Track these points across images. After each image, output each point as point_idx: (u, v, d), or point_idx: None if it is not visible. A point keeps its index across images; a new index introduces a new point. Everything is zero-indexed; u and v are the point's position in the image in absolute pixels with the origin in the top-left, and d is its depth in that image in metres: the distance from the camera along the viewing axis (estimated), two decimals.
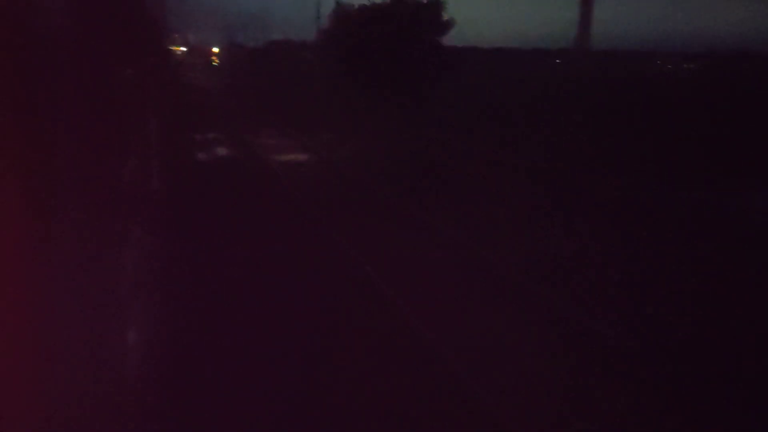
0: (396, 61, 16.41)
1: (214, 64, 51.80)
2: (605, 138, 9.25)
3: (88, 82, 2.76)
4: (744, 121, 8.97)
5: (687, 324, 4.29)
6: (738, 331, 4.23)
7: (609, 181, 7.73)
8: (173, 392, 3.20)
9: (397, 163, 10.10)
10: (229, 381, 3.38)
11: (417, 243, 6.48)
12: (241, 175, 9.81)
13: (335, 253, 5.85)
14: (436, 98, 15.44)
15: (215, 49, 57.11)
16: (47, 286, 1.42)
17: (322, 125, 15.34)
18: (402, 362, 3.84)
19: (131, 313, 3.53)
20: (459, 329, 4.37)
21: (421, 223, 7.00)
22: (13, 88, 1.48)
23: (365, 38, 17.15)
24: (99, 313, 2.27)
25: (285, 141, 14.05)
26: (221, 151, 12.29)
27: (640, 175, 7.73)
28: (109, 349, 2.40)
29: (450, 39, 17.77)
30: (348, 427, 3.13)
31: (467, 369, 3.69)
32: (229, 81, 34.67)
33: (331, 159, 11.42)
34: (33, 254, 1.31)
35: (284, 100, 21.66)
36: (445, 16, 18.05)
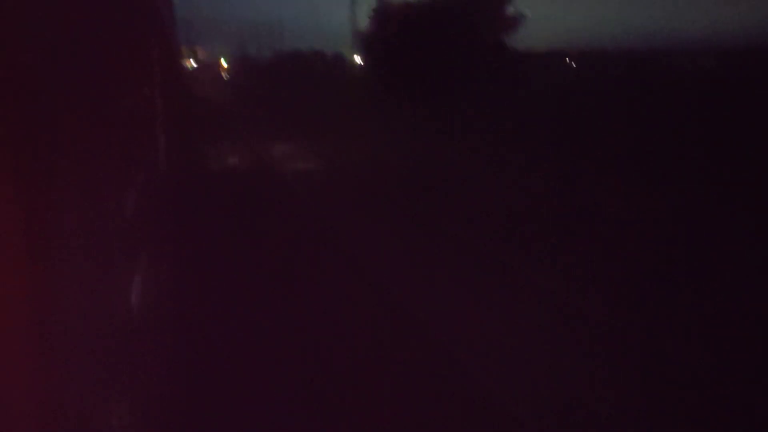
0: (442, 63, 13.63)
1: (224, 77, 52.60)
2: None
3: (99, 96, 2.79)
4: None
5: None
6: None
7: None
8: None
9: (407, 173, 9.91)
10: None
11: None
12: (252, 184, 9.82)
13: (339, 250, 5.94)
14: (491, 107, 12.80)
15: (224, 63, 57.94)
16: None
17: (342, 133, 14.84)
18: None
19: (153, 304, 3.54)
20: None
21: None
22: (21, 103, 1.48)
23: (409, 37, 14.38)
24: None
25: (299, 151, 14.01)
26: (232, 160, 12.35)
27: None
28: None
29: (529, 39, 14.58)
30: None
31: None
32: (239, 93, 35.00)
33: (348, 169, 11.32)
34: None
35: (297, 108, 21.61)
36: (512, 11, 14.89)
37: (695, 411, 3.24)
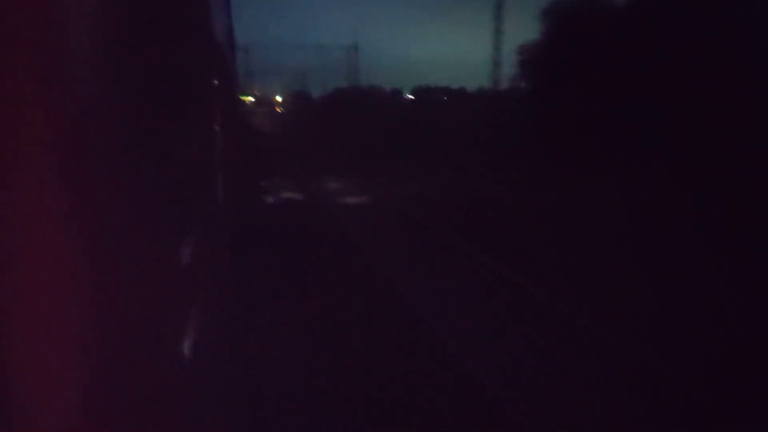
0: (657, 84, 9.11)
1: (278, 111, 54.39)
2: None
3: (173, 131, 2.86)
4: None
5: None
6: None
7: None
8: None
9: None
10: None
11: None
12: (302, 222, 9.78)
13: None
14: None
15: (278, 98, 59.89)
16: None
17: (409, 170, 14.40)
18: None
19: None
20: None
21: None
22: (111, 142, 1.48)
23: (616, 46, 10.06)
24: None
25: (347, 185, 13.99)
26: (285, 195, 12.47)
27: None
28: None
29: None
30: None
31: None
32: (293, 127, 35.93)
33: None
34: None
35: (349, 144, 21.73)
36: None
37: None
